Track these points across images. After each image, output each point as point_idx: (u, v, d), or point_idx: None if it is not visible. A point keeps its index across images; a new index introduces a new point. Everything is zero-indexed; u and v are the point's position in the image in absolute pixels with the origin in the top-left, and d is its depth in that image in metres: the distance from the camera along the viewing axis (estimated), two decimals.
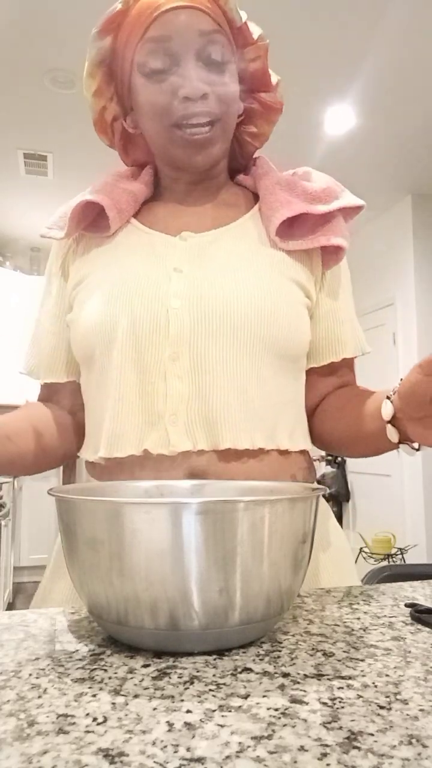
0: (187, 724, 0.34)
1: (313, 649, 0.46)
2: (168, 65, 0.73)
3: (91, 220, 0.80)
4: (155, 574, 0.42)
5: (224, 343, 0.70)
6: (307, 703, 0.37)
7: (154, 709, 0.36)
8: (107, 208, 0.77)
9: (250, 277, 0.73)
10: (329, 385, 0.83)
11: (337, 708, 0.36)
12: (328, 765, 0.30)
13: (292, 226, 0.76)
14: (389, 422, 0.66)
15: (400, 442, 0.67)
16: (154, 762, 0.30)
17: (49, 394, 0.87)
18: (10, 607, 3.84)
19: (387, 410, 0.66)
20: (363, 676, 0.41)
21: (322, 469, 4.91)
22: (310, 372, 0.82)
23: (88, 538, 0.45)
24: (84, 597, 0.48)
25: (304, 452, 0.78)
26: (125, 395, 0.71)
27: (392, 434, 0.67)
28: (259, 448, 0.71)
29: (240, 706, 0.36)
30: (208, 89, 0.73)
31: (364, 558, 3.90)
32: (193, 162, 0.76)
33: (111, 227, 0.78)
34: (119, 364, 0.72)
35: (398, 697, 0.38)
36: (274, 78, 0.81)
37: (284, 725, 0.34)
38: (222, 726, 0.34)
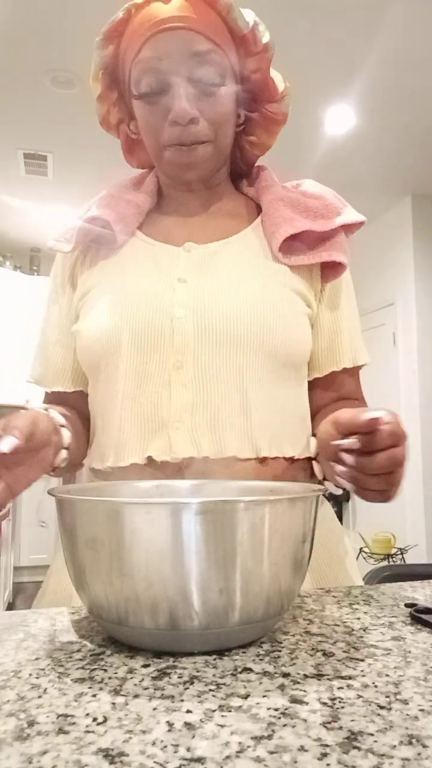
0: (187, 724, 0.34)
1: (313, 649, 0.46)
2: (159, 87, 0.72)
3: (97, 233, 0.80)
4: (155, 574, 0.42)
5: (227, 351, 0.71)
6: (307, 703, 0.37)
7: (154, 709, 0.36)
8: (113, 223, 0.78)
9: (253, 287, 0.74)
10: (327, 397, 0.83)
11: (337, 708, 0.36)
12: (328, 765, 0.30)
13: (294, 241, 0.77)
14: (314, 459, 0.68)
15: (325, 479, 0.69)
16: (154, 762, 0.30)
17: (56, 400, 0.87)
18: (10, 607, 3.84)
19: (312, 447, 0.69)
20: (363, 676, 0.41)
21: None
22: (312, 383, 0.82)
23: (88, 538, 0.45)
24: (84, 597, 0.48)
25: (309, 458, 0.78)
26: (129, 404, 0.72)
27: (317, 470, 0.70)
28: (263, 457, 0.71)
29: (240, 706, 0.36)
30: (197, 114, 0.72)
31: (364, 558, 3.90)
32: (184, 179, 0.78)
33: (117, 240, 0.79)
34: (124, 374, 0.72)
35: (398, 697, 0.38)
36: (281, 86, 0.79)
37: (284, 725, 0.34)
38: (222, 726, 0.34)
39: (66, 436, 0.70)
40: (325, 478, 0.71)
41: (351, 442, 0.56)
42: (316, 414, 0.82)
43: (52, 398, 0.87)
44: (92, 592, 0.46)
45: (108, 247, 0.80)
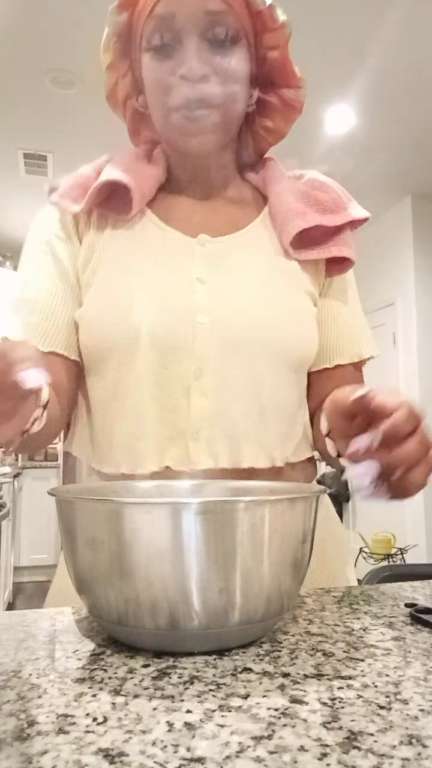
0: (187, 724, 0.34)
1: (313, 649, 0.46)
2: (171, 42, 0.71)
3: (105, 197, 0.75)
4: (155, 574, 0.42)
5: (247, 359, 0.70)
6: (307, 703, 0.37)
7: (154, 709, 0.36)
8: (133, 191, 0.74)
9: (270, 291, 0.73)
10: (328, 390, 0.81)
11: (337, 708, 0.36)
12: (328, 765, 0.30)
13: (303, 236, 0.76)
14: (327, 435, 0.61)
15: (339, 456, 0.60)
16: (154, 762, 0.30)
17: None
18: (10, 607, 3.84)
19: (324, 425, 0.61)
20: (363, 676, 0.41)
21: (322, 469, 4.91)
22: (314, 377, 0.81)
23: (88, 538, 0.45)
24: (84, 597, 0.47)
25: (311, 459, 0.78)
26: (145, 410, 0.70)
27: (331, 448, 0.61)
28: (277, 466, 0.71)
29: (240, 706, 0.36)
30: (208, 70, 0.70)
31: (364, 558, 3.89)
32: (189, 147, 0.74)
33: (133, 209, 0.75)
34: (140, 376, 0.70)
35: (398, 697, 0.38)
36: (298, 73, 0.78)
37: (284, 725, 0.34)
38: (222, 726, 0.34)
39: (45, 394, 0.58)
40: (339, 455, 0.60)
41: (366, 441, 0.48)
42: (315, 407, 0.81)
43: None
44: (92, 592, 0.46)
45: (118, 215, 0.76)
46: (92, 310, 0.73)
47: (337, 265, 0.79)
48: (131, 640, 0.46)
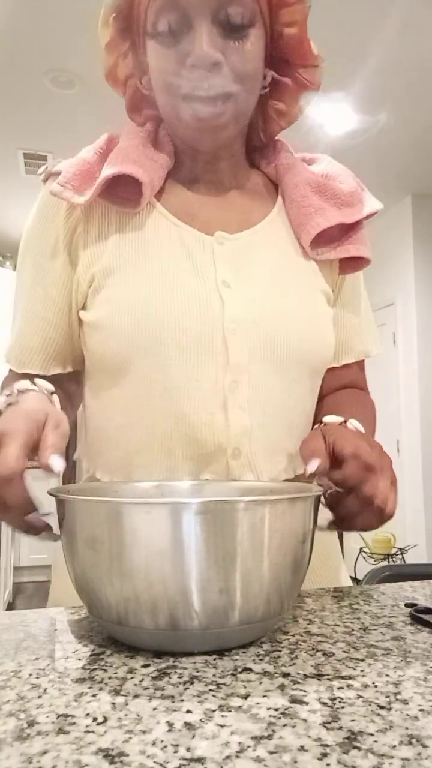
0: (187, 724, 0.34)
1: (313, 649, 0.46)
2: (179, 27, 0.64)
3: (109, 187, 0.68)
4: (155, 574, 0.42)
5: (277, 369, 0.68)
6: (307, 703, 0.37)
7: (154, 709, 0.36)
8: (144, 185, 0.67)
9: (293, 295, 0.71)
10: (331, 387, 0.81)
11: (337, 708, 0.36)
12: (328, 765, 0.30)
13: (322, 233, 0.73)
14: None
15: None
16: (154, 762, 0.30)
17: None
18: (10, 607, 3.84)
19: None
20: (363, 676, 0.41)
21: None
22: None
23: (88, 538, 0.45)
24: (84, 597, 0.47)
25: None
26: (178, 425, 0.66)
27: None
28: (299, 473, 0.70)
29: (240, 706, 0.36)
30: (221, 58, 0.64)
31: (364, 558, 3.89)
32: (200, 142, 0.69)
33: (141, 204, 0.69)
34: (167, 390, 0.65)
35: (398, 697, 0.38)
36: (316, 50, 0.71)
37: (284, 725, 0.34)
38: (222, 726, 0.34)
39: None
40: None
41: (314, 466, 0.55)
42: (318, 402, 0.80)
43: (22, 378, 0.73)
44: (92, 592, 0.46)
45: (123, 208, 0.70)
46: (107, 317, 0.67)
47: (351, 262, 0.76)
48: (131, 640, 0.46)
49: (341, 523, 0.58)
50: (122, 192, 0.69)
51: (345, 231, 0.75)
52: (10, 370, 0.76)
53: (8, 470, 0.49)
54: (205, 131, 0.67)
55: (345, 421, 0.64)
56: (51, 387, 0.64)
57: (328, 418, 0.64)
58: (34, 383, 0.63)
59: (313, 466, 0.53)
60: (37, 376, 0.73)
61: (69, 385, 0.77)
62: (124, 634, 0.46)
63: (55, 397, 0.64)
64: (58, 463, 0.50)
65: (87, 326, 0.71)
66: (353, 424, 0.63)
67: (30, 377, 0.68)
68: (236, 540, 0.43)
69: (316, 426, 0.66)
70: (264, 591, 0.44)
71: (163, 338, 0.65)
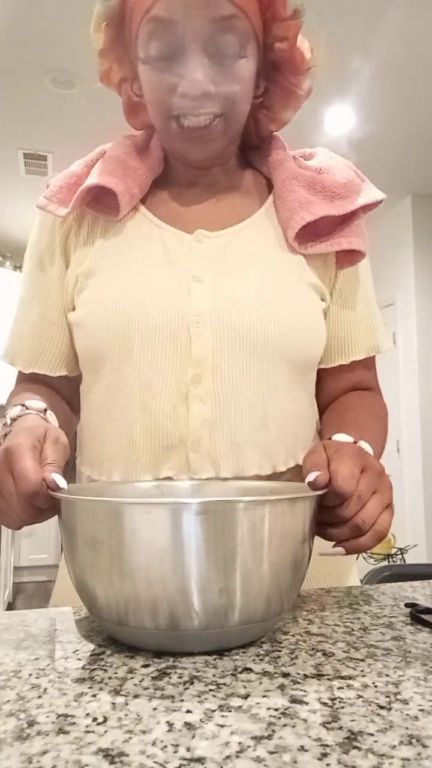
0: (187, 724, 0.34)
1: (313, 649, 0.46)
2: (170, 52, 0.65)
3: (95, 197, 0.72)
4: (155, 574, 0.42)
5: (247, 362, 0.67)
6: (307, 703, 0.37)
7: (154, 709, 0.36)
8: (120, 195, 0.70)
9: (272, 287, 0.69)
10: (338, 388, 0.79)
11: (337, 708, 0.36)
12: (328, 765, 0.30)
13: (309, 227, 0.72)
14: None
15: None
16: (154, 762, 0.30)
17: (33, 380, 0.78)
18: (10, 607, 3.84)
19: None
20: (363, 676, 0.41)
21: None
22: (323, 373, 0.79)
23: (88, 537, 0.45)
24: (84, 597, 0.47)
25: None
26: (141, 415, 0.67)
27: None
28: (280, 472, 0.69)
29: (240, 706, 0.36)
30: (211, 87, 0.64)
31: (364, 558, 3.89)
32: (191, 157, 0.71)
33: (120, 212, 0.72)
34: (133, 381, 0.67)
35: (398, 697, 0.38)
36: (308, 54, 0.71)
37: (284, 725, 0.34)
38: (222, 726, 0.34)
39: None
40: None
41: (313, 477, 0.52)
42: (327, 405, 0.79)
43: (29, 378, 0.78)
44: (92, 592, 0.46)
45: (107, 216, 0.73)
46: (85, 315, 0.71)
47: (348, 255, 0.75)
48: (131, 640, 0.46)
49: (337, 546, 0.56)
50: (107, 201, 0.72)
51: (338, 224, 0.73)
52: (19, 372, 0.79)
53: (31, 485, 0.51)
54: (195, 145, 0.69)
55: (355, 441, 0.61)
56: (43, 405, 0.67)
57: (338, 437, 0.62)
58: (25, 407, 0.65)
59: (312, 476, 0.52)
60: (44, 377, 0.77)
61: (74, 395, 0.80)
62: (124, 635, 0.46)
63: (50, 414, 0.67)
64: (59, 481, 0.51)
65: (73, 326, 0.74)
66: (363, 446, 0.61)
67: (22, 399, 0.70)
68: (236, 540, 0.43)
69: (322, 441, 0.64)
70: (264, 591, 0.44)
71: (132, 333, 0.67)
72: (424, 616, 0.52)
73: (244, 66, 0.67)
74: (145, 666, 0.43)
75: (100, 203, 0.72)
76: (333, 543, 0.55)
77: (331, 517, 0.53)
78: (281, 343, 0.68)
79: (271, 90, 0.75)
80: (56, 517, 0.52)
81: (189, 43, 0.64)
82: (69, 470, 0.63)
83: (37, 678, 0.41)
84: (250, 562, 0.43)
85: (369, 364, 0.81)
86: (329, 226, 0.73)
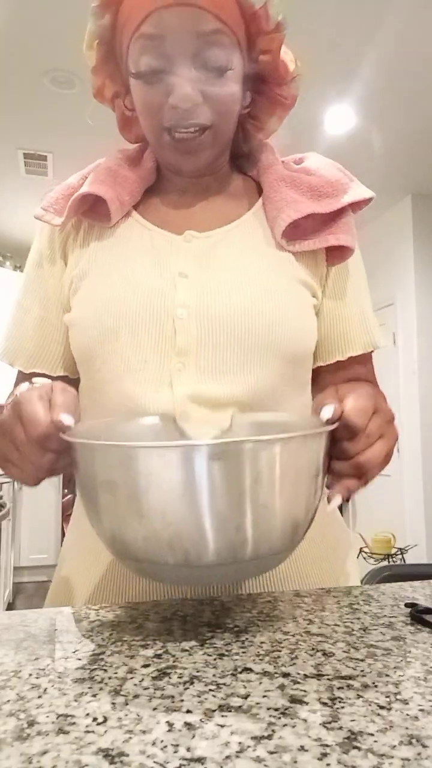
0: (187, 724, 0.34)
1: (313, 649, 0.46)
2: (160, 66, 0.68)
3: (90, 206, 0.76)
4: (173, 514, 0.43)
5: (236, 354, 0.68)
6: (307, 703, 0.37)
7: (154, 709, 0.36)
8: (109, 202, 0.73)
9: (257, 282, 0.71)
10: (337, 384, 0.81)
11: (337, 708, 0.36)
12: (328, 765, 0.30)
13: (298, 225, 0.73)
14: None
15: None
16: (154, 762, 0.30)
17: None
18: (10, 607, 3.84)
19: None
20: (363, 676, 0.41)
21: None
22: (319, 370, 0.80)
23: (103, 480, 0.45)
24: (103, 538, 0.48)
25: None
26: (127, 404, 0.69)
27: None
28: None
29: (240, 706, 0.36)
30: (200, 99, 0.68)
31: (364, 558, 3.90)
32: (182, 167, 0.74)
33: (112, 219, 0.75)
34: (121, 373, 0.69)
35: (398, 697, 0.38)
36: (291, 66, 0.74)
37: (284, 725, 0.34)
38: (222, 726, 0.34)
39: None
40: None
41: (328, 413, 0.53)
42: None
43: (29, 378, 0.79)
44: (111, 533, 0.47)
45: (101, 223, 0.76)
46: (77, 314, 0.74)
47: (337, 252, 0.76)
48: (151, 575, 0.47)
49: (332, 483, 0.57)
50: (99, 208, 0.75)
51: (326, 221, 0.75)
52: (19, 373, 0.82)
53: (41, 427, 0.51)
54: (186, 156, 0.72)
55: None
56: (49, 382, 0.66)
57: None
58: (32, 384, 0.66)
59: (329, 411, 0.52)
60: (44, 377, 0.77)
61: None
62: (144, 571, 0.47)
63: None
64: (67, 420, 0.51)
65: (68, 327, 0.77)
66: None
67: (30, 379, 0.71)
68: (250, 479, 0.43)
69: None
70: (279, 525, 0.45)
71: (120, 329, 0.69)
72: (424, 616, 0.52)
73: (231, 78, 0.70)
74: (145, 666, 0.43)
75: (93, 212, 0.76)
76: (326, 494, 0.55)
77: (337, 452, 0.54)
78: (265, 335, 0.69)
79: (257, 100, 0.78)
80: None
81: (177, 58, 0.67)
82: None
83: (37, 678, 0.41)
84: (264, 498, 0.44)
85: (365, 360, 0.82)
86: (317, 224, 0.75)
